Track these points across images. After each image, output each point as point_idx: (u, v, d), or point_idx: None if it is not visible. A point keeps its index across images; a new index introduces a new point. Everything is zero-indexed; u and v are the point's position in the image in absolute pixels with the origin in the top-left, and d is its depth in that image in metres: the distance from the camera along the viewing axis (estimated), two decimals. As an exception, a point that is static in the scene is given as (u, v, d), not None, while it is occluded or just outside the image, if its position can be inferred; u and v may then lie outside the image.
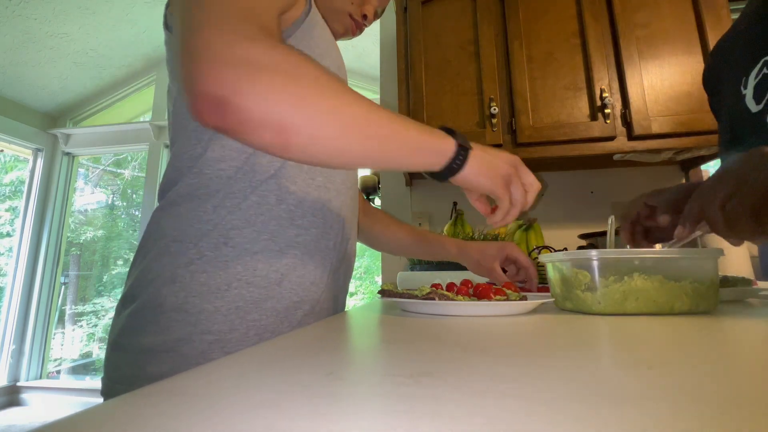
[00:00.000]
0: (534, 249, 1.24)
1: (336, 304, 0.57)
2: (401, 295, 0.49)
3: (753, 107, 0.58)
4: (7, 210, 2.95)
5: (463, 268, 1.03)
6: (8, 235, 2.90)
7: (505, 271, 0.72)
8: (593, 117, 1.24)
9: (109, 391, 0.45)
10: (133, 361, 0.43)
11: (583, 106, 1.25)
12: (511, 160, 0.47)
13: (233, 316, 0.44)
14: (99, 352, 2.84)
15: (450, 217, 1.40)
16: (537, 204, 1.57)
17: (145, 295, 0.44)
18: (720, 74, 0.69)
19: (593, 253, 0.45)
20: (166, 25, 0.49)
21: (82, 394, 2.60)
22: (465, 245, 0.75)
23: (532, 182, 0.49)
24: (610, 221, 0.60)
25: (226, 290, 0.44)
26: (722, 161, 0.76)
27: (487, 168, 0.45)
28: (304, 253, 0.50)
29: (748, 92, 0.58)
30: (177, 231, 0.46)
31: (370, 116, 0.37)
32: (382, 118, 0.38)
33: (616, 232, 1.06)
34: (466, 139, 0.45)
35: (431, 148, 0.41)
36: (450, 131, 0.44)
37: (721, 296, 0.59)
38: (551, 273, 0.53)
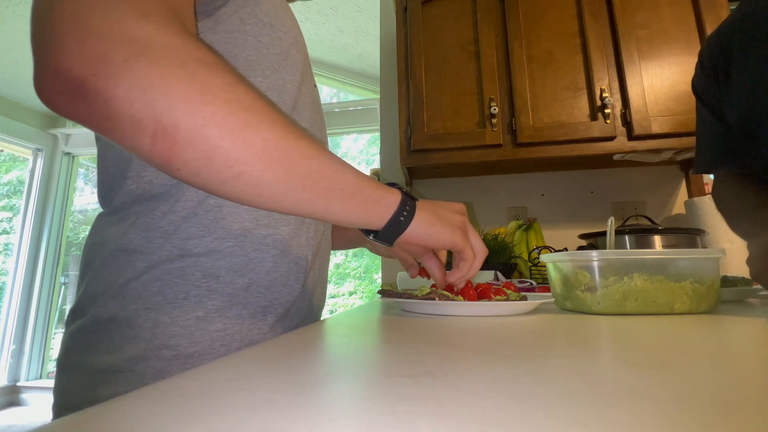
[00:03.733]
0: (534, 249, 1.24)
1: (313, 304, 0.52)
2: (401, 295, 0.49)
3: None
4: (4, 209, 2.95)
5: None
6: (5, 232, 2.89)
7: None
8: (593, 117, 1.24)
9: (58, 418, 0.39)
10: (84, 383, 0.37)
11: (583, 106, 1.25)
12: (459, 209, 0.44)
13: (194, 328, 0.39)
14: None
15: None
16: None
17: (92, 310, 0.39)
18: (730, 48, 0.62)
19: (593, 253, 0.45)
20: None
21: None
22: None
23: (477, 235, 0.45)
24: (610, 222, 0.60)
25: (184, 299, 0.39)
26: (707, 152, 0.69)
27: (439, 218, 0.41)
28: (275, 255, 0.45)
29: None
30: (123, 239, 0.40)
31: (296, 145, 0.30)
32: (311, 151, 0.31)
33: (617, 232, 1.05)
34: (410, 193, 0.40)
35: (373, 196, 0.35)
36: (394, 183, 0.40)
37: (721, 296, 0.59)
38: (552, 273, 0.53)
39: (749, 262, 0.56)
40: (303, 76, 0.50)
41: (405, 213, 0.38)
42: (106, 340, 0.38)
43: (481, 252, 0.44)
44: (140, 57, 0.24)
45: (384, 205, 0.37)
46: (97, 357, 0.37)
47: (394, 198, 0.37)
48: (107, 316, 0.38)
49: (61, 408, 0.39)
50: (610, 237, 0.59)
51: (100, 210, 0.47)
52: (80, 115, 0.25)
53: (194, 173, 0.28)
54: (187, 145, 0.26)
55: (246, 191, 0.30)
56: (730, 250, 1.10)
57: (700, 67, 0.70)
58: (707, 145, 0.71)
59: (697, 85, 0.72)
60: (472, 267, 0.44)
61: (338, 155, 0.36)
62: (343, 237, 0.70)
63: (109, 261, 0.40)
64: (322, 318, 0.56)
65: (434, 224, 0.40)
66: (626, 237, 1.09)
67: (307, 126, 0.51)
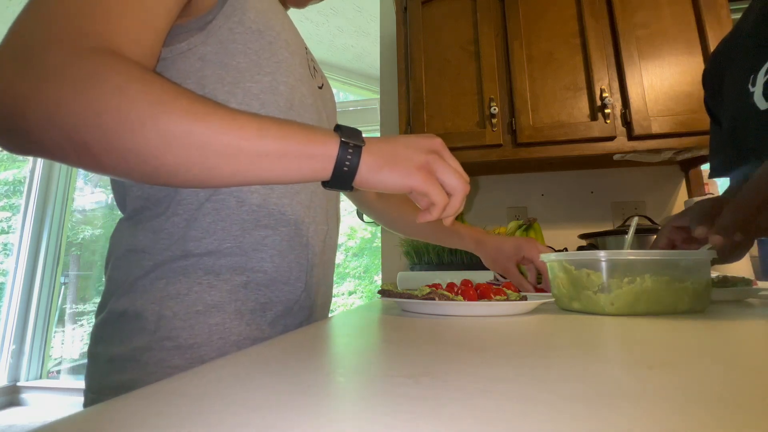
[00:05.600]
0: (534, 249, 1.24)
1: (317, 302, 0.53)
2: (401, 295, 0.49)
3: (762, 104, 0.57)
4: (4, 208, 2.95)
5: (463, 269, 1.03)
6: (4, 231, 2.90)
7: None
8: (593, 117, 1.24)
9: (87, 402, 0.44)
10: (103, 370, 0.42)
11: (583, 106, 1.25)
12: (428, 145, 0.39)
13: (193, 321, 0.41)
14: (99, 352, 2.85)
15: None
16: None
17: (110, 305, 0.43)
18: (722, 73, 0.69)
19: (608, 254, 0.45)
20: None
21: (82, 394, 2.60)
22: (483, 240, 0.72)
23: (459, 168, 0.39)
24: (633, 222, 0.61)
25: (186, 295, 0.41)
26: (715, 160, 0.76)
27: (392, 161, 0.36)
28: (273, 255, 0.46)
29: (757, 89, 0.58)
30: (133, 241, 0.43)
31: (199, 127, 0.30)
32: (222, 127, 0.31)
33: (617, 232, 1.05)
34: (359, 135, 0.36)
35: (304, 152, 0.34)
36: (340, 128, 0.36)
37: (721, 296, 0.59)
38: (556, 273, 0.53)
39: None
40: (298, 78, 0.51)
41: (347, 162, 0.35)
42: (119, 332, 0.41)
43: (459, 190, 0.38)
44: (39, 88, 0.27)
45: (321, 160, 0.34)
46: (112, 347, 0.41)
47: (330, 149, 0.34)
48: (120, 310, 0.42)
49: (88, 391, 0.44)
50: (630, 237, 0.59)
51: (100, 210, 0.49)
52: (24, 149, 0.29)
53: (125, 174, 0.30)
54: (104, 153, 0.29)
55: (176, 179, 0.31)
56: (730, 250, 1.10)
57: (704, 83, 0.77)
58: (716, 153, 0.77)
59: (706, 99, 0.78)
60: (448, 208, 0.39)
61: None
62: (455, 236, 0.75)
63: (122, 260, 0.44)
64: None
65: (382, 169, 0.36)
66: (626, 237, 1.09)
67: None
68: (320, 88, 0.57)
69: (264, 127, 0.33)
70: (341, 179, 0.35)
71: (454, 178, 0.38)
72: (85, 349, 0.45)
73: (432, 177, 0.38)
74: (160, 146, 0.29)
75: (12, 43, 0.29)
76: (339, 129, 0.36)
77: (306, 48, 0.56)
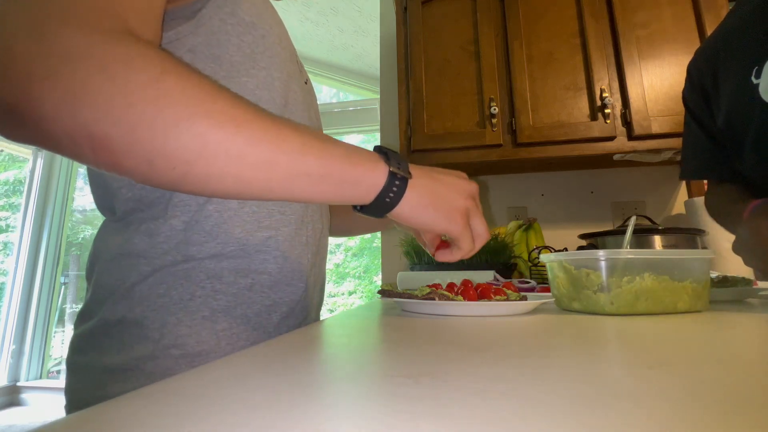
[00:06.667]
0: (534, 249, 1.24)
1: (314, 302, 0.53)
2: (401, 295, 0.49)
3: None
4: (3, 208, 2.95)
5: (463, 269, 1.02)
6: (2, 231, 2.90)
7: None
8: (593, 117, 1.24)
9: None
10: (95, 381, 0.38)
11: (583, 106, 1.25)
12: (469, 191, 0.39)
13: (200, 327, 0.39)
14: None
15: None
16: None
17: (100, 313, 0.40)
18: (716, 65, 0.67)
19: (607, 253, 0.45)
20: None
21: (82, 394, 2.60)
22: None
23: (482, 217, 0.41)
24: (631, 221, 0.61)
25: (190, 300, 0.39)
26: (693, 161, 0.74)
27: (436, 200, 0.36)
28: (277, 256, 0.45)
29: (763, 81, 0.56)
30: (127, 245, 0.40)
31: (237, 135, 0.27)
32: (259, 137, 0.28)
33: (617, 232, 1.05)
34: (406, 165, 0.35)
35: (348, 178, 0.31)
36: (386, 153, 0.34)
37: (721, 296, 0.59)
38: (556, 273, 0.53)
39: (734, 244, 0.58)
40: (290, 73, 0.50)
41: (391, 194, 0.33)
42: (117, 341, 0.39)
43: (482, 239, 0.40)
44: (60, 69, 0.23)
45: (365, 187, 0.33)
46: (108, 357, 0.38)
47: (377, 178, 0.33)
48: (116, 318, 0.39)
49: (72, 407, 0.40)
50: (628, 237, 0.59)
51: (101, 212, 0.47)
52: (25, 138, 0.25)
53: (145, 178, 0.27)
54: (126, 153, 0.25)
55: (199, 188, 0.28)
56: (730, 250, 1.09)
57: (689, 79, 0.75)
58: (693, 155, 0.75)
59: (686, 96, 0.76)
60: (467, 254, 0.41)
61: None
62: (365, 224, 0.69)
63: (113, 266, 0.41)
64: (321, 317, 0.56)
65: (427, 209, 0.36)
66: (625, 236, 1.09)
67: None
68: (306, 83, 0.57)
69: (307, 143, 0.30)
70: (379, 208, 0.34)
71: (483, 227, 0.40)
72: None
73: (467, 224, 0.39)
74: (193, 152, 0.26)
75: (20, 13, 0.24)
76: (383, 152, 0.35)
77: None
